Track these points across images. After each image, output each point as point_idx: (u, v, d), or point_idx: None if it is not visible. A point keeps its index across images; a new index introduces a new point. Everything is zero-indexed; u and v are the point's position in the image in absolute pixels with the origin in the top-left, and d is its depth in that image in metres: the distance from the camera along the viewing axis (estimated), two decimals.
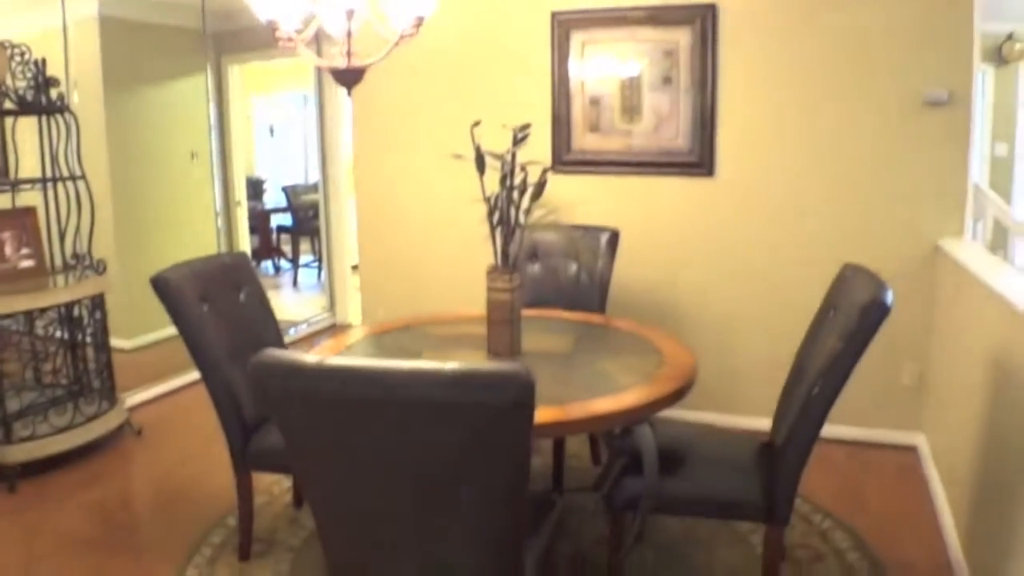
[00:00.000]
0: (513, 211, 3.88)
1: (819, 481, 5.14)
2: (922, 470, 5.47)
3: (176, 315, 4.04)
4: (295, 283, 12.38)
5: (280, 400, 2.48)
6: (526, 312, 4.29)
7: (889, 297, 3.25)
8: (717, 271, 6.10)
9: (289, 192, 12.74)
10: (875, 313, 3.23)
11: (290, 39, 3.62)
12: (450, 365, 2.27)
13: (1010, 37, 10.42)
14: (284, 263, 13.28)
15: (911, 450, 5.77)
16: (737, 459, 3.88)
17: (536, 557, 2.99)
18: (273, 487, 5.15)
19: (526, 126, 3.88)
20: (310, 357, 2.39)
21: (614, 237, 5.46)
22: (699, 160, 5.99)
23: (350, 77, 3.74)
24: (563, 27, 6.19)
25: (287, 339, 7.25)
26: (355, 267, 8.43)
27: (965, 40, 5.36)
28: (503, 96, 6.38)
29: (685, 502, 3.71)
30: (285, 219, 13.06)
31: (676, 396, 3.51)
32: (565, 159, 6.29)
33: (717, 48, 5.83)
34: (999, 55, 10.53)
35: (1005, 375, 3.74)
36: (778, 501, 3.56)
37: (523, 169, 3.86)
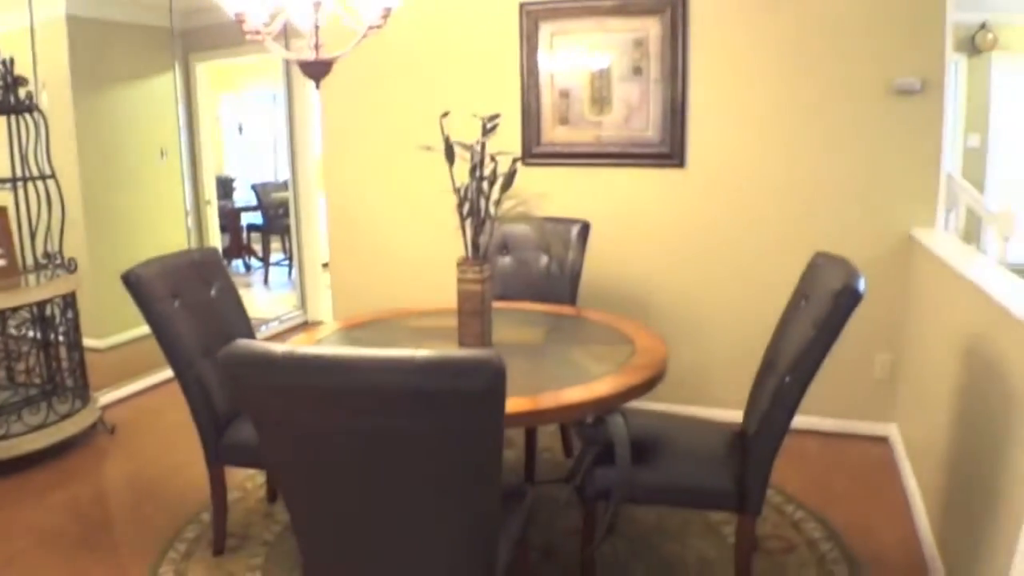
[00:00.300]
0: (483, 202, 3.88)
1: (792, 472, 5.15)
2: (894, 461, 5.48)
3: (147, 311, 4.02)
4: (266, 281, 12.34)
5: (251, 391, 2.47)
6: (497, 304, 4.30)
7: (861, 284, 3.25)
8: (688, 262, 6.10)
9: (259, 190, 12.70)
10: (847, 300, 3.23)
11: (257, 32, 3.60)
12: (421, 353, 2.26)
13: (983, 27, 10.47)
14: (255, 261, 13.22)
15: (883, 441, 5.79)
16: (709, 449, 3.87)
17: (508, 548, 2.99)
18: (246, 482, 5.13)
19: (495, 116, 3.88)
20: (280, 346, 2.38)
21: (585, 229, 5.46)
22: (670, 151, 5.98)
23: (318, 70, 3.73)
24: (532, 18, 6.17)
25: (258, 336, 7.23)
26: (326, 265, 8.40)
27: (937, 29, 5.37)
28: (472, 88, 6.36)
29: (657, 491, 3.70)
30: (255, 217, 13.01)
31: (648, 385, 3.50)
32: (535, 151, 6.28)
33: (687, 38, 5.82)
34: (972, 45, 10.58)
35: (977, 365, 3.75)
36: (750, 491, 3.55)
37: (493, 160, 3.86)
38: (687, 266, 6.10)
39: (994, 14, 10.39)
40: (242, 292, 4.88)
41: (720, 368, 6.09)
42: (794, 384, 3.39)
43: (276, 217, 12.29)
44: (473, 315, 3.94)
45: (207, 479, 4.27)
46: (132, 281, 3.98)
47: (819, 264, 3.87)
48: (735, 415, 4.20)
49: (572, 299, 5.34)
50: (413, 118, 6.44)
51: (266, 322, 9.21)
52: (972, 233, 7.70)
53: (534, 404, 3.22)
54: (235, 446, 4.16)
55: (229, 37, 4.51)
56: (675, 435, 4.07)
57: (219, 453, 4.20)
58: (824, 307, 3.32)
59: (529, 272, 5.51)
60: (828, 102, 5.64)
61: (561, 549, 4.37)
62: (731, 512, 3.72)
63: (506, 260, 5.57)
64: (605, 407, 3.47)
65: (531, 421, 4.10)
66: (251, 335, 4.74)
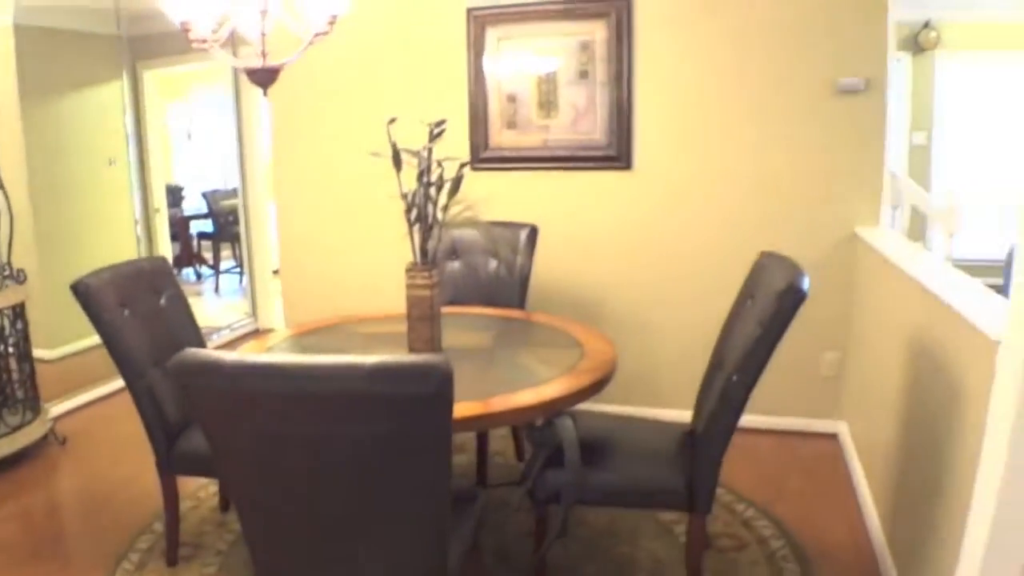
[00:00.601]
0: (431, 208, 3.90)
1: (742, 470, 5.19)
2: (844, 457, 5.54)
3: (97, 321, 4.01)
4: (216, 289, 12.28)
5: (201, 400, 2.48)
6: (447, 309, 4.31)
7: (805, 282, 3.30)
8: (637, 263, 6.14)
9: (209, 198, 12.64)
10: (791, 298, 3.27)
11: (204, 41, 3.61)
12: (369, 358, 2.28)
13: (927, 25, 10.56)
14: (205, 269, 13.16)
15: (833, 438, 5.85)
16: (659, 449, 3.90)
17: (460, 552, 3.00)
18: (199, 491, 5.12)
19: (441, 122, 3.90)
20: (230, 354, 2.39)
21: (533, 233, 5.48)
22: (616, 153, 6.02)
23: (265, 77, 3.74)
24: (479, 23, 6.18)
25: (209, 344, 7.20)
26: (277, 272, 8.38)
27: (880, 28, 5.44)
28: (421, 94, 6.37)
29: (608, 492, 3.73)
30: (205, 225, 12.93)
31: (596, 387, 3.53)
32: (483, 156, 6.29)
33: (633, 40, 5.86)
34: (916, 43, 10.67)
35: (921, 361, 3.80)
36: (699, 489, 3.59)
37: (439, 165, 3.88)
38: (635, 268, 6.14)
39: (937, 12, 10.49)
40: (193, 300, 4.88)
41: (669, 369, 6.12)
42: (740, 383, 3.43)
43: (226, 224, 12.21)
44: (422, 320, 3.95)
45: (159, 489, 4.25)
46: (81, 291, 3.97)
47: (764, 264, 3.91)
48: (685, 415, 4.22)
49: (521, 303, 5.36)
50: (362, 124, 6.44)
51: (217, 330, 9.17)
52: (917, 230, 7.77)
53: (484, 408, 3.24)
54: (187, 455, 4.14)
55: (177, 45, 4.49)
56: (625, 436, 4.10)
57: (171, 462, 4.19)
58: (769, 306, 3.36)
59: (478, 277, 5.52)
60: (772, 103, 5.70)
61: (513, 552, 4.39)
62: (681, 511, 3.75)
63: (455, 265, 5.58)
64: (555, 410, 3.49)
65: (481, 425, 4.12)
66: (201, 344, 4.73)
